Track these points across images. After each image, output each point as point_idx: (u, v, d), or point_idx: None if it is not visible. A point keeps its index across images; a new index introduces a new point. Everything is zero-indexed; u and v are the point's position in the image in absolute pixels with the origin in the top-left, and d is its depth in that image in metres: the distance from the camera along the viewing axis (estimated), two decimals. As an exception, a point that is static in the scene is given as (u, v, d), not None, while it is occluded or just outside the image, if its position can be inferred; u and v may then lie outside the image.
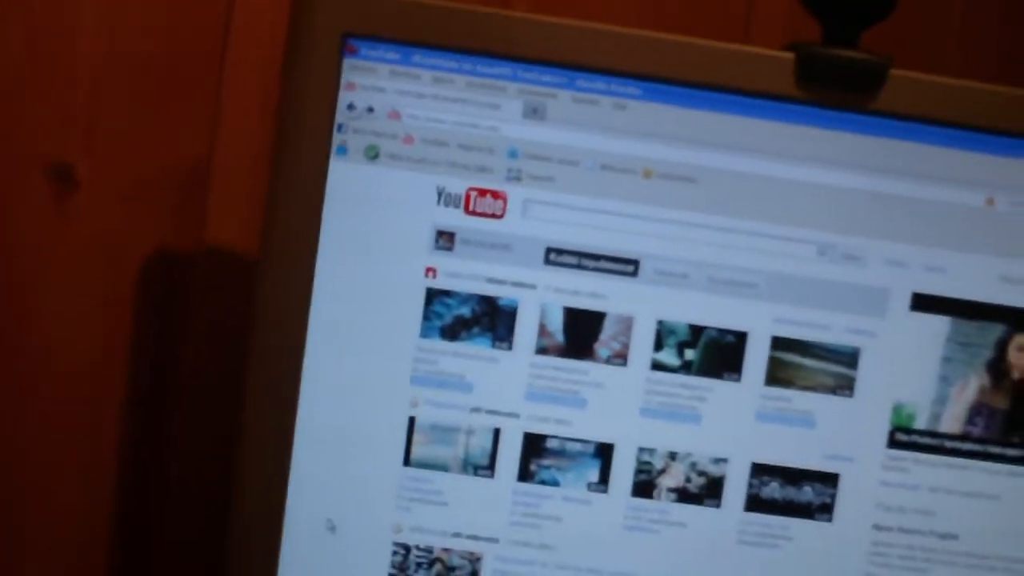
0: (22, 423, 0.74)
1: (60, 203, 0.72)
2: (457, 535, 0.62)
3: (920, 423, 0.62)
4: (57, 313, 0.73)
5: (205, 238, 0.74)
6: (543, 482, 0.62)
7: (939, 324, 0.62)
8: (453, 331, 0.61)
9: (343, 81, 0.59)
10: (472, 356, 0.61)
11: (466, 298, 0.61)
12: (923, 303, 0.62)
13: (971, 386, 0.62)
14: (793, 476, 0.62)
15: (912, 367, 0.62)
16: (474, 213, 0.61)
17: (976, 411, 0.62)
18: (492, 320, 0.61)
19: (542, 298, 0.61)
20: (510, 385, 0.61)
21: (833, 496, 0.63)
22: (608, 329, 0.61)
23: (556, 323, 0.61)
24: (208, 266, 0.74)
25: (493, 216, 0.61)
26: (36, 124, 0.72)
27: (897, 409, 0.62)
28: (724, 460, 0.62)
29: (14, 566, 0.74)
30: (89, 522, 0.75)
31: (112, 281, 0.74)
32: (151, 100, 0.73)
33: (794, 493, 0.62)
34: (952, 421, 0.63)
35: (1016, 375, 0.62)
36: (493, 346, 0.61)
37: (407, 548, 0.62)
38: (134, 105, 0.73)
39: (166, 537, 0.76)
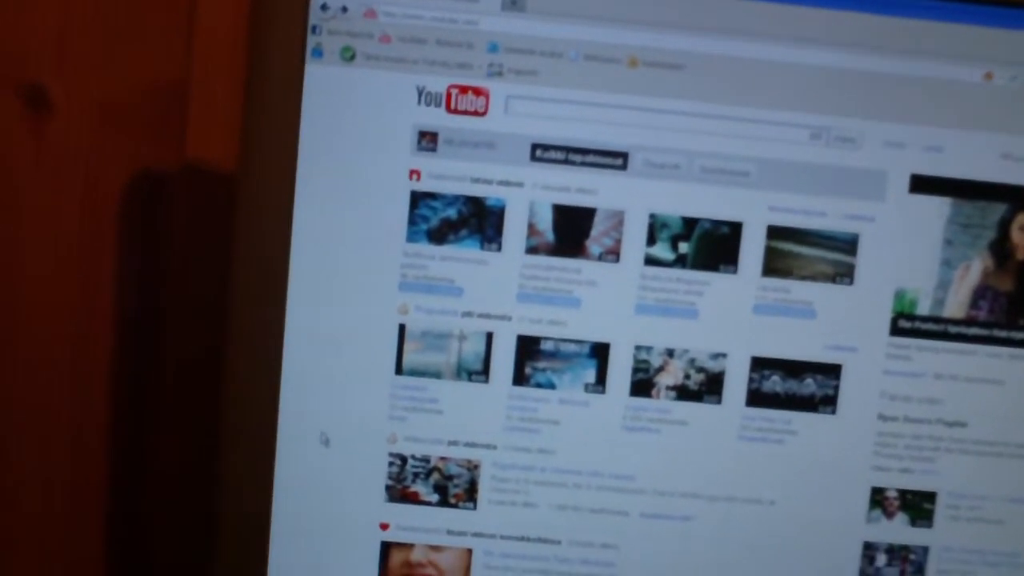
0: (6, 345, 0.73)
1: (36, 127, 0.71)
2: (454, 443, 0.61)
3: (923, 309, 0.61)
4: (38, 237, 0.72)
5: (185, 156, 0.72)
6: (539, 385, 0.61)
7: (939, 206, 0.60)
8: (440, 234, 0.60)
9: (315, -20, 0.58)
10: (461, 259, 0.60)
11: (452, 199, 0.59)
12: (922, 184, 0.60)
13: (974, 269, 0.61)
14: (794, 368, 0.61)
15: (913, 251, 0.60)
16: (456, 111, 0.59)
17: (980, 294, 0.61)
18: (480, 221, 0.60)
19: (530, 196, 0.59)
20: (501, 287, 0.60)
21: (836, 387, 0.61)
22: (599, 225, 0.60)
23: (545, 221, 0.60)
24: (189, 184, 0.72)
25: (476, 114, 0.59)
26: (5, 47, 0.70)
27: (899, 295, 0.61)
28: (723, 355, 0.61)
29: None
30: (80, 434, 0.75)
31: (93, 203, 0.72)
32: (123, 17, 0.71)
33: (796, 386, 0.61)
34: (955, 306, 0.61)
35: (1020, 255, 0.61)
36: (482, 247, 0.60)
37: (403, 458, 0.61)
38: (106, 23, 0.71)
39: (159, 457, 0.75)
